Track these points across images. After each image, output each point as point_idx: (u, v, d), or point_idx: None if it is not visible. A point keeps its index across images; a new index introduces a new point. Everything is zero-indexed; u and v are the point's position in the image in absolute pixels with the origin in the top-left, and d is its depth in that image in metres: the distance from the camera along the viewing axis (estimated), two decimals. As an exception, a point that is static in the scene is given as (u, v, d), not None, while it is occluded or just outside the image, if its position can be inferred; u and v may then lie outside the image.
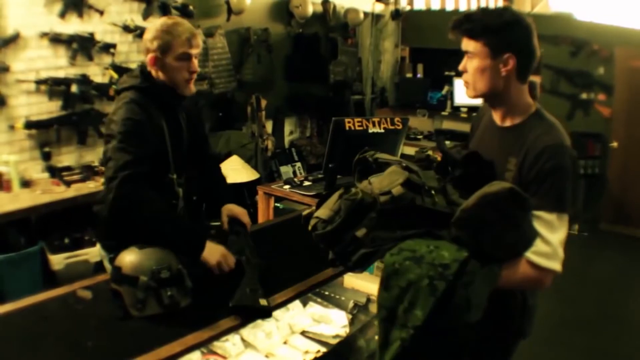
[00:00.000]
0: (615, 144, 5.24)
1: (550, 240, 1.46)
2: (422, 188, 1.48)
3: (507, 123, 1.62)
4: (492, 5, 8.02)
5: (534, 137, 1.51)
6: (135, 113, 1.84)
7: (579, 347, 3.27)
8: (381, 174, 1.57)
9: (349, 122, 2.03)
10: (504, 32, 1.52)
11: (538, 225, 1.47)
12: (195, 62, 1.95)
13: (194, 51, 1.92)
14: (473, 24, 1.54)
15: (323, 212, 1.54)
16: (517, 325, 1.69)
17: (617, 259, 4.68)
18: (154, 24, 1.93)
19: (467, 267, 1.40)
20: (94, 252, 3.26)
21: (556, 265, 1.47)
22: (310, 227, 1.57)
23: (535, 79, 6.09)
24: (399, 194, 1.46)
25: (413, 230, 1.48)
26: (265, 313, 1.61)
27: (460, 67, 1.61)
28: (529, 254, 1.46)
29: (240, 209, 2.12)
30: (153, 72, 1.94)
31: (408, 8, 6.59)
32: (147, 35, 1.91)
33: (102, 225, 2.06)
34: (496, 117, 1.66)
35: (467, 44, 1.57)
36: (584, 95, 5.37)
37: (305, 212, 1.66)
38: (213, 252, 1.77)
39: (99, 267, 3.19)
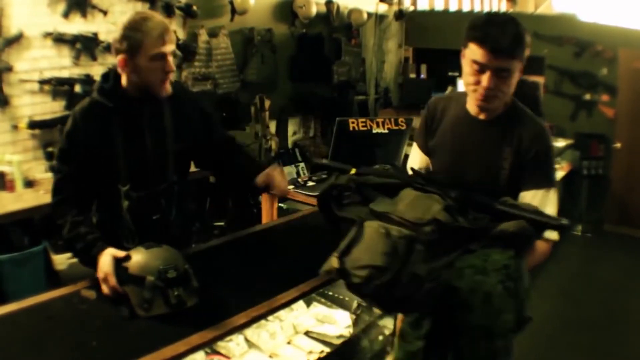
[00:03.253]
0: (618, 145, 5.24)
1: (551, 214, 1.54)
2: (453, 209, 1.40)
3: (489, 116, 1.65)
4: (495, 7, 8.02)
5: (523, 124, 1.61)
6: (71, 127, 1.82)
7: (583, 348, 3.26)
8: (393, 200, 1.46)
9: (353, 123, 2.03)
10: (525, 42, 1.51)
11: (540, 202, 1.56)
12: (171, 60, 1.73)
13: (168, 49, 1.71)
14: (515, 43, 1.46)
15: (372, 259, 1.33)
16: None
17: (621, 260, 4.67)
18: (123, 21, 1.73)
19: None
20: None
21: (557, 236, 1.60)
22: (360, 280, 1.34)
23: (539, 79, 6.09)
24: (446, 221, 1.35)
25: (455, 253, 1.38)
26: None
27: (491, 86, 1.50)
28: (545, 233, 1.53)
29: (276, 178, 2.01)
30: (123, 76, 1.78)
31: (412, 8, 6.60)
32: (115, 35, 1.72)
33: None
34: (473, 111, 1.67)
35: (504, 63, 1.47)
36: (587, 96, 5.37)
37: (330, 262, 1.39)
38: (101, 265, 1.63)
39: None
